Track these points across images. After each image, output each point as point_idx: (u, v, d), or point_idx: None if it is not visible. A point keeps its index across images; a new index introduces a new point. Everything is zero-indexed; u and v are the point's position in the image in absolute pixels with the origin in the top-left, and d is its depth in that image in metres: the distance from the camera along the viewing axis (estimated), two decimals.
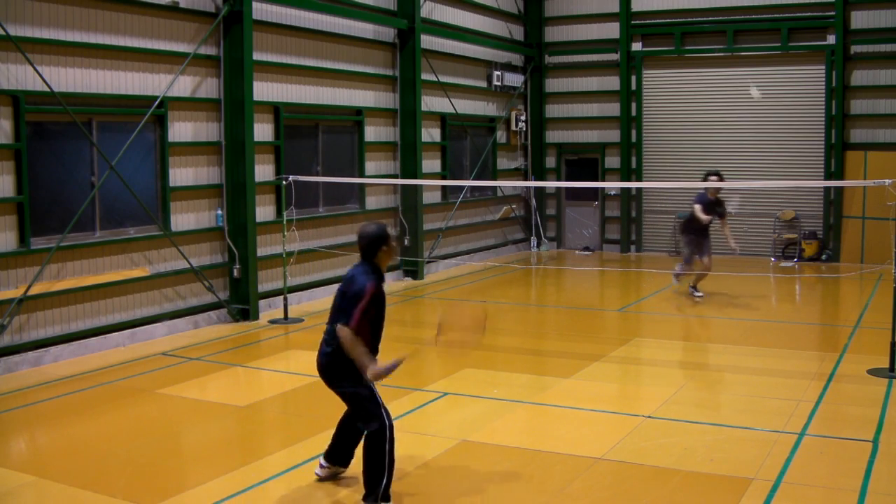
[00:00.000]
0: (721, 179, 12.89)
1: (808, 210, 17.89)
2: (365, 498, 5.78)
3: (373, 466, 5.73)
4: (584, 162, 20.24)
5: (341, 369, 5.80)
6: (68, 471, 6.64)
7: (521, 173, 20.41)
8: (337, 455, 6.31)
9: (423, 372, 9.90)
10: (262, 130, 12.68)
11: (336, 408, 8.26)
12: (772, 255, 18.06)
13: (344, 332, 5.61)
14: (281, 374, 9.65)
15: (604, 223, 20.05)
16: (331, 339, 5.80)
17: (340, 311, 5.74)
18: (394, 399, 8.44)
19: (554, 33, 20.27)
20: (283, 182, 12.29)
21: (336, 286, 14.83)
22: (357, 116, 14.80)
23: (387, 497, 5.74)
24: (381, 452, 5.70)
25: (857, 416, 7.78)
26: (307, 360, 10.22)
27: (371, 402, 5.82)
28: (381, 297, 5.84)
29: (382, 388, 8.92)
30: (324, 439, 7.19)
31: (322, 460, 6.36)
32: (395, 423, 5.89)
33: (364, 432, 5.83)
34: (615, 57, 19.46)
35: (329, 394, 8.83)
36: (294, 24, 13.28)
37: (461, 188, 17.68)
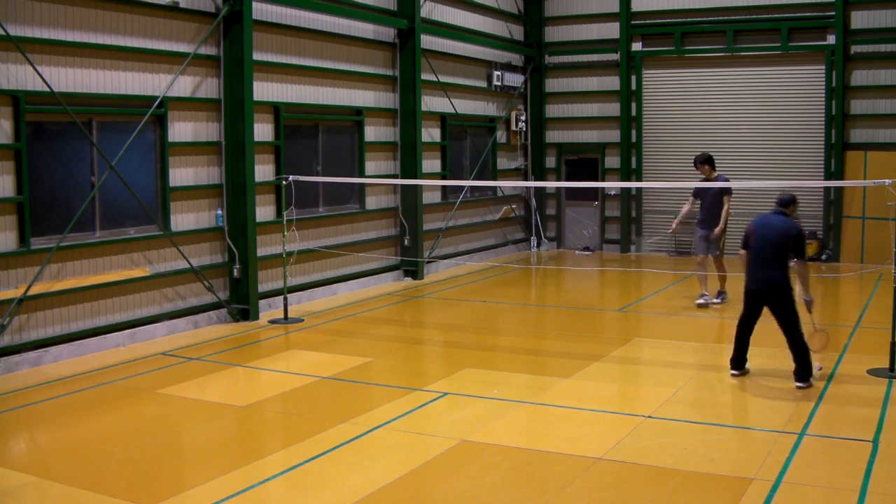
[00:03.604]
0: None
1: (808, 210, 17.88)
2: (802, 379, 8.51)
3: (803, 356, 8.50)
4: (584, 162, 20.23)
5: (790, 290, 8.51)
6: (68, 471, 6.64)
7: (521, 173, 20.41)
8: (743, 360, 8.96)
9: (423, 372, 9.91)
10: (262, 130, 12.68)
11: (336, 407, 8.31)
12: None
13: (803, 265, 8.56)
14: (281, 374, 9.64)
15: (604, 223, 20.05)
16: (779, 269, 8.51)
17: (782, 248, 8.52)
18: (394, 399, 8.46)
19: (554, 33, 20.27)
20: (283, 182, 12.29)
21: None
22: (357, 116, 14.79)
23: (811, 373, 8.67)
24: (805, 346, 8.49)
25: (857, 416, 7.77)
26: (307, 360, 10.34)
27: (797, 314, 8.52)
28: None
29: (383, 389, 8.96)
30: (324, 439, 7.24)
31: (734, 370, 8.98)
32: (394, 422, 7.20)
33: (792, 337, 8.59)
34: (615, 57, 19.46)
35: (329, 393, 8.90)
36: (294, 24, 13.27)
37: (461, 188, 17.68)
